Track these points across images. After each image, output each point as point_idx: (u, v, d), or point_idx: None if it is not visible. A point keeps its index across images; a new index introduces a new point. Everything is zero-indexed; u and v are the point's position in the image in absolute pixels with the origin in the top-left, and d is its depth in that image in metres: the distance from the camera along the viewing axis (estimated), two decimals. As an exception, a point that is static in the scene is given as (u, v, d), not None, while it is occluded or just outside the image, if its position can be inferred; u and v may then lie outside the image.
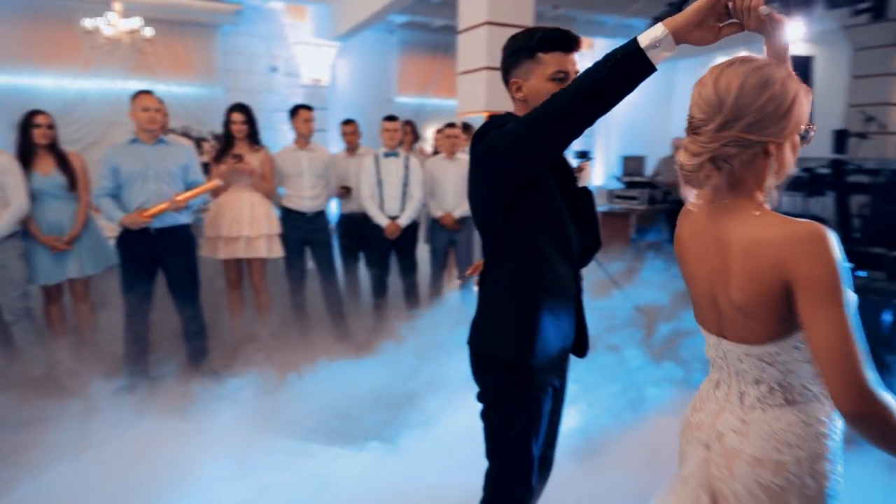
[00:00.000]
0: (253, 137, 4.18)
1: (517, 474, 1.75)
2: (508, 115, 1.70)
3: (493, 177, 1.59)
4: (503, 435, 1.73)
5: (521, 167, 1.54)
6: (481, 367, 1.77)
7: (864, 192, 5.88)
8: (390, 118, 4.52)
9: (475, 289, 5.05)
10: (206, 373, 3.72)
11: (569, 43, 1.61)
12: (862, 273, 4.15)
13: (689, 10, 1.23)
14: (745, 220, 1.15)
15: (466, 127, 5.14)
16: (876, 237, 5.44)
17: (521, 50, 1.63)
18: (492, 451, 1.78)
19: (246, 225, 4.06)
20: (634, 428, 2.95)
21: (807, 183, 5.85)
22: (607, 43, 9.34)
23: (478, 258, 5.11)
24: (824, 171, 5.87)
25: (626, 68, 1.28)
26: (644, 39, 1.26)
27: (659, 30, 1.25)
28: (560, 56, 1.61)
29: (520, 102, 1.69)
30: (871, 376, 1.03)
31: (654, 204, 6.72)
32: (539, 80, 1.62)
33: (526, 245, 1.63)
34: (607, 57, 1.31)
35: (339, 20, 8.01)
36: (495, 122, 1.62)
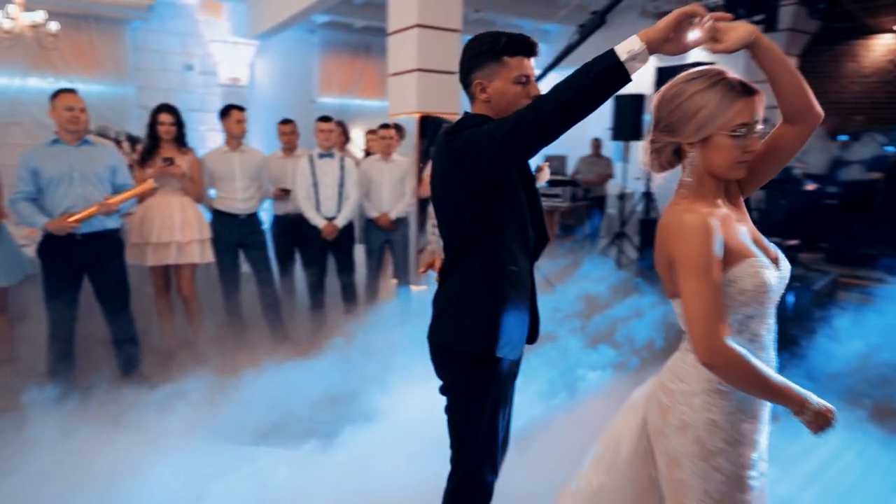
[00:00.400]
0: (180, 139, 4.05)
1: (486, 460, 1.83)
2: (471, 115, 1.75)
3: (465, 176, 1.64)
4: (472, 425, 1.79)
5: (498, 168, 1.62)
6: (448, 361, 1.82)
7: (761, 188, 6.45)
8: (325, 119, 4.49)
9: (413, 288, 5.11)
10: (140, 381, 3.58)
11: (531, 48, 1.71)
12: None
13: (660, 25, 1.36)
14: (670, 204, 1.43)
15: (398, 128, 5.20)
16: (771, 228, 5.98)
17: (486, 53, 1.69)
18: (459, 441, 1.83)
19: (178, 230, 3.93)
20: (570, 411, 3.11)
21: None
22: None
23: (413, 257, 5.20)
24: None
25: (607, 79, 1.39)
26: (622, 53, 1.37)
27: (636, 44, 1.36)
28: (523, 60, 1.70)
29: (482, 103, 1.74)
30: (723, 337, 1.28)
31: (576, 201, 7.05)
32: (504, 82, 1.69)
33: (494, 242, 1.71)
34: (588, 68, 1.41)
35: (259, 18, 7.84)
36: (468, 121, 1.68)
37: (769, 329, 1.42)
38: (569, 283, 4.60)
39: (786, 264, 1.45)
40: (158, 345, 4.18)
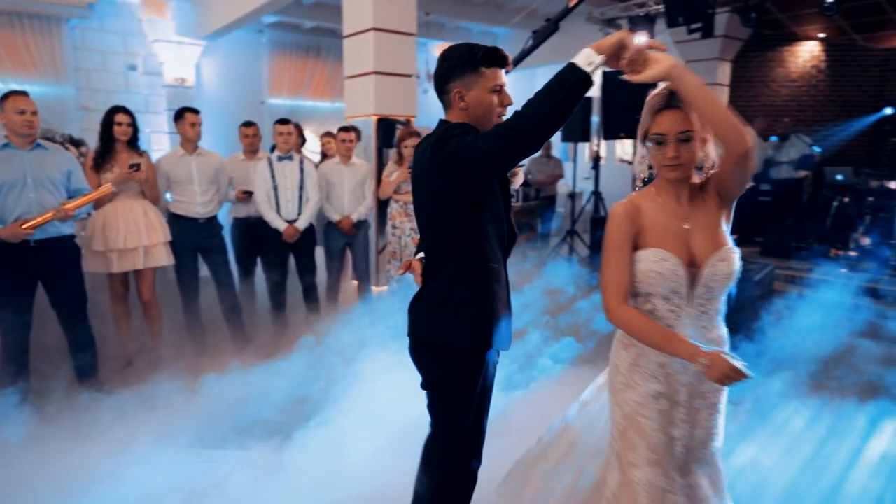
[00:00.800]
0: (134, 141, 3.97)
1: (472, 449, 1.92)
2: (454, 124, 1.81)
3: (453, 184, 1.73)
4: (460, 415, 1.87)
5: (483, 178, 1.74)
6: (436, 356, 1.88)
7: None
8: (283, 121, 4.48)
9: (374, 289, 5.14)
10: (98, 388, 3.52)
11: (505, 60, 1.82)
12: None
13: (607, 42, 1.57)
14: None
15: (355, 130, 5.23)
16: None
17: (465, 63, 1.78)
18: (446, 431, 1.91)
19: (144, 234, 3.88)
20: (525, 397, 3.24)
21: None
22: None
23: (373, 259, 5.24)
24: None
25: (578, 90, 1.56)
26: (584, 64, 1.54)
27: (595, 56, 1.55)
28: (498, 71, 1.81)
29: (459, 110, 1.83)
30: (618, 300, 1.65)
31: (528, 201, 7.24)
32: (481, 91, 1.79)
33: (479, 242, 1.81)
34: (560, 82, 1.55)
35: (205, 18, 7.69)
36: (453, 130, 1.75)
37: (675, 310, 1.67)
38: (535, 281, 4.77)
39: (714, 268, 1.63)
40: (117, 352, 4.09)
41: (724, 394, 1.73)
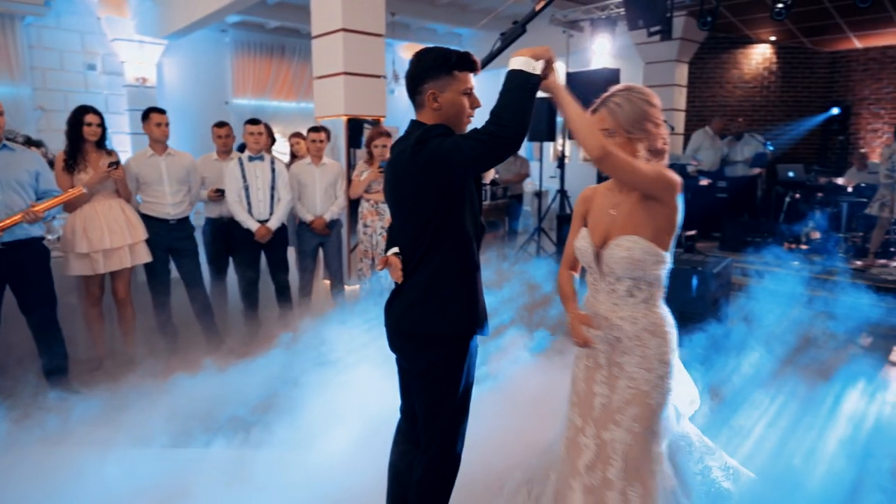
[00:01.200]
0: (102, 142, 3.93)
1: (458, 433, 2.01)
2: (431, 126, 1.87)
3: (435, 185, 1.81)
4: (448, 401, 1.95)
5: (465, 178, 1.85)
6: (422, 347, 1.94)
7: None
8: (254, 121, 4.47)
9: (346, 288, 5.15)
10: (69, 390, 3.48)
11: (475, 65, 1.92)
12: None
13: (540, 51, 1.73)
14: None
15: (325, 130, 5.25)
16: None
17: (439, 66, 1.86)
18: (434, 418, 1.98)
19: (127, 232, 3.88)
20: (501, 387, 3.33)
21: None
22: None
23: (346, 259, 5.27)
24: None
25: (536, 91, 1.73)
26: (531, 69, 1.71)
27: (534, 62, 1.71)
28: (468, 75, 1.91)
29: (432, 111, 1.91)
30: (562, 264, 2.06)
31: (496, 200, 7.34)
32: (454, 93, 1.88)
33: (459, 236, 1.89)
34: (521, 88, 1.69)
35: (167, 17, 7.57)
36: (431, 132, 1.83)
37: (594, 283, 1.96)
38: (509, 278, 4.89)
39: (611, 251, 1.86)
40: (87, 354, 4.04)
41: (654, 376, 1.86)
